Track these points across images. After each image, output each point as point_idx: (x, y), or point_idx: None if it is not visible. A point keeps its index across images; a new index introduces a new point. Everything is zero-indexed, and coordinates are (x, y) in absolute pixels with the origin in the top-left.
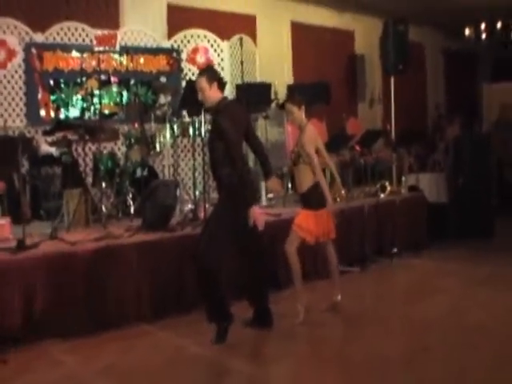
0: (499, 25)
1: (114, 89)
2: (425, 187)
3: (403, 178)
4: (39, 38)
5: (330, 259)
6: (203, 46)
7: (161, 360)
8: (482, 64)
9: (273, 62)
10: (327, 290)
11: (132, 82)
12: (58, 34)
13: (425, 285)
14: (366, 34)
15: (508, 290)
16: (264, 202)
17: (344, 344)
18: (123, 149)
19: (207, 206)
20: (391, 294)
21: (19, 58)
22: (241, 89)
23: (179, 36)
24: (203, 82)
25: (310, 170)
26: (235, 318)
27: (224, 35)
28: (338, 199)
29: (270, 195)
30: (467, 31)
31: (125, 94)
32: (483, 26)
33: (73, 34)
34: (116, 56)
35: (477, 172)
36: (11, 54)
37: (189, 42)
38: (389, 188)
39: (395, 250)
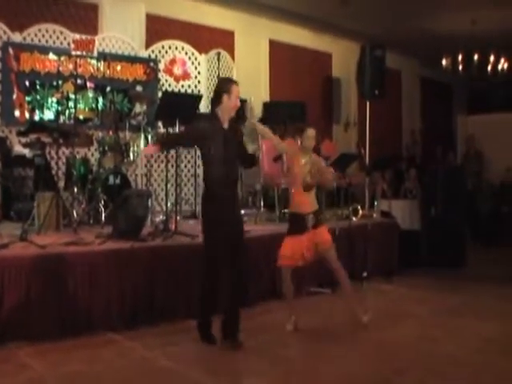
0: (476, 57)
1: (90, 94)
2: (397, 214)
3: (376, 203)
4: (17, 37)
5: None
6: (181, 58)
7: (127, 370)
8: (458, 95)
9: (250, 78)
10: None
11: (108, 88)
12: (35, 35)
13: (395, 310)
14: (343, 57)
15: (478, 319)
16: None
17: (314, 364)
18: (97, 155)
19: (178, 218)
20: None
21: None
22: None
23: (157, 46)
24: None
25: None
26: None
27: (202, 48)
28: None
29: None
30: (444, 61)
31: (100, 100)
32: (460, 57)
33: (51, 37)
34: (93, 61)
35: (450, 202)
36: None
37: (166, 52)
38: (361, 212)
39: (365, 274)
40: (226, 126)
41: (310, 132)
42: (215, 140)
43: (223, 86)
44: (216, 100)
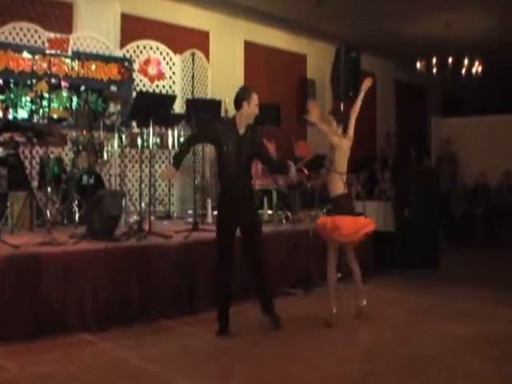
0: (450, 60)
1: (64, 93)
2: (371, 215)
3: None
4: None
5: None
6: (155, 58)
7: (101, 371)
8: (432, 98)
9: (224, 79)
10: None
11: (82, 88)
12: (10, 33)
13: (369, 312)
14: (318, 59)
15: (452, 319)
16: (210, 219)
17: (286, 365)
18: (71, 155)
19: (152, 218)
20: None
21: None
22: (191, 104)
23: (132, 46)
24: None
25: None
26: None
27: (177, 49)
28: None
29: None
30: (418, 64)
31: (75, 99)
32: (434, 60)
33: (25, 35)
34: (68, 60)
35: (424, 204)
36: None
37: (141, 52)
38: None
39: (339, 274)
40: (241, 131)
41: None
42: (227, 143)
43: (244, 93)
44: (236, 106)
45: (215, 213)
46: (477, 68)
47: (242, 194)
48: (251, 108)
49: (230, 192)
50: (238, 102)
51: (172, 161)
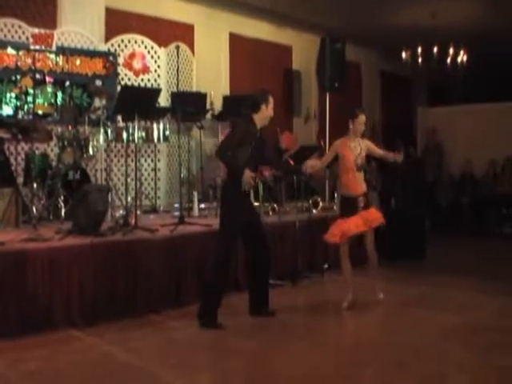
0: (435, 49)
1: (49, 89)
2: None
3: (336, 195)
4: None
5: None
6: (140, 52)
7: (88, 367)
8: (417, 88)
9: (210, 72)
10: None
11: (67, 83)
12: None
13: (356, 302)
14: (303, 50)
15: (438, 310)
16: (196, 212)
17: (273, 357)
18: (56, 150)
19: (138, 212)
20: (322, 310)
21: None
22: (176, 97)
23: (117, 40)
24: None
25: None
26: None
27: (162, 42)
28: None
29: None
30: (404, 54)
31: (59, 94)
32: (420, 50)
33: (9, 31)
34: (52, 56)
35: (410, 194)
36: None
37: (126, 46)
38: (321, 204)
39: (326, 265)
40: (258, 131)
41: (362, 118)
42: (250, 142)
43: (262, 96)
44: (254, 108)
45: (202, 206)
46: (462, 57)
47: (250, 194)
48: (268, 111)
49: (244, 192)
50: (257, 104)
51: (235, 169)
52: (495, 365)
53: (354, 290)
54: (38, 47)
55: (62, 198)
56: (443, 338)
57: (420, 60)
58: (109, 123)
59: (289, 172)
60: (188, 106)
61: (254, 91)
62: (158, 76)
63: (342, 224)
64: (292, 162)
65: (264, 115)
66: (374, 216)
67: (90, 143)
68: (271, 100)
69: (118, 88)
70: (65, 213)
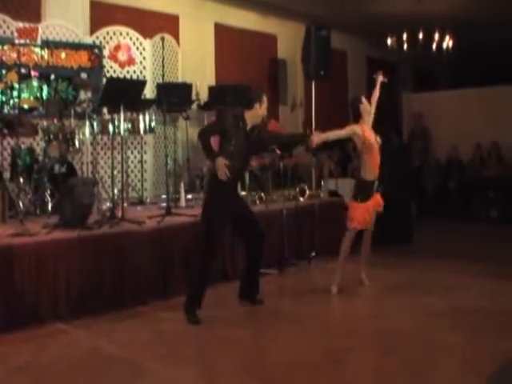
0: (421, 35)
1: (35, 83)
2: (345, 192)
3: (322, 183)
4: None
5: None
6: (125, 44)
7: (75, 360)
8: (403, 73)
9: (195, 62)
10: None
11: (52, 76)
12: None
13: (343, 288)
14: (288, 38)
15: (427, 294)
16: (183, 203)
17: (261, 343)
18: (42, 144)
19: (125, 204)
20: (309, 297)
21: None
22: (161, 88)
23: (101, 32)
24: None
25: None
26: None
27: (147, 33)
28: None
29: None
30: (389, 41)
31: (45, 88)
32: (405, 36)
33: None
34: (37, 50)
35: (396, 180)
36: None
37: (111, 38)
38: (308, 192)
39: (314, 253)
40: (248, 127)
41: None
42: (236, 137)
43: (257, 95)
44: (248, 106)
45: (189, 196)
46: (447, 42)
47: (236, 183)
48: (262, 110)
49: (229, 183)
50: (251, 102)
51: (208, 155)
52: (483, 348)
53: (341, 275)
54: (22, 41)
55: (49, 192)
56: (430, 323)
57: (405, 46)
58: (94, 116)
59: (293, 143)
60: (173, 96)
61: (239, 81)
62: (144, 68)
63: (363, 209)
64: (278, 151)
65: (256, 113)
66: (380, 201)
67: (76, 136)
68: (265, 100)
69: (104, 80)
70: (51, 207)
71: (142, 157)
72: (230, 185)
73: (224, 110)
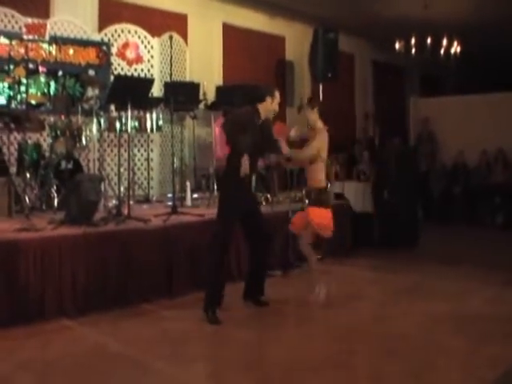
0: (429, 40)
1: (42, 79)
2: (350, 196)
3: (329, 185)
4: None
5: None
6: (134, 42)
7: (80, 357)
8: (410, 78)
9: (203, 62)
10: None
11: (60, 73)
12: None
13: (348, 292)
14: (296, 40)
15: (430, 298)
16: (189, 202)
17: (265, 347)
18: (49, 140)
19: (131, 202)
20: (313, 299)
21: None
22: (169, 87)
23: (110, 30)
24: None
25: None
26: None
27: (155, 32)
28: None
29: (195, 195)
30: (397, 45)
31: (52, 84)
32: (413, 40)
33: (2, 20)
34: (45, 45)
35: (402, 184)
36: None
37: (119, 36)
38: None
39: (319, 256)
40: (260, 120)
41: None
42: (252, 130)
43: (269, 89)
44: (259, 98)
45: (195, 196)
46: (455, 48)
47: (251, 181)
48: (273, 105)
49: (245, 179)
50: (262, 95)
51: (238, 149)
52: (486, 353)
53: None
54: (31, 37)
55: (55, 187)
56: (434, 327)
57: (413, 50)
58: (102, 113)
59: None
60: (181, 95)
61: (246, 81)
62: (152, 66)
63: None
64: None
65: (268, 107)
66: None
67: (83, 133)
68: (277, 95)
69: (111, 78)
70: (57, 203)
71: (148, 155)
72: (246, 180)
73: (237, 110)
